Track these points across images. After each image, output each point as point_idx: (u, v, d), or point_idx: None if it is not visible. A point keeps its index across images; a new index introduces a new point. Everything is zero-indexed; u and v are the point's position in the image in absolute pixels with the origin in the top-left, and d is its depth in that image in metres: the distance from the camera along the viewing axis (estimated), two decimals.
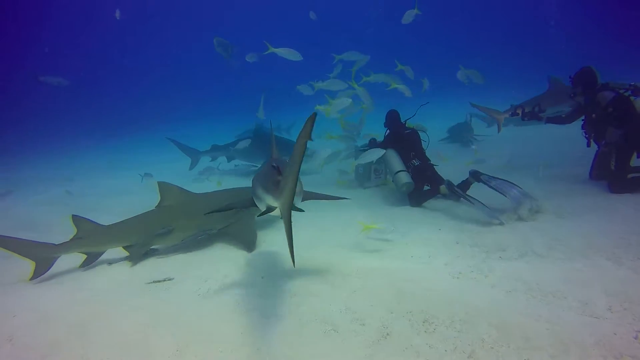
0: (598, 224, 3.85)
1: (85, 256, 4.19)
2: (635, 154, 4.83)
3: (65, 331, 2.82)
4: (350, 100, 6.19)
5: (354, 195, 6.16)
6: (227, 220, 4.60)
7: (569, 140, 5.40)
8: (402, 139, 5.73)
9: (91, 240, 4.20)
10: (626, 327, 2.30)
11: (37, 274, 3.97)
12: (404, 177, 5.22)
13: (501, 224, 4.14)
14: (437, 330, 2.47)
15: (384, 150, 5.47)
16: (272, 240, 4.53)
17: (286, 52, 6.27)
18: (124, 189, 8.42)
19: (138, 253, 4.23)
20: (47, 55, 30.31)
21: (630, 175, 4.82)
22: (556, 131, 5.66)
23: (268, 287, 3.31)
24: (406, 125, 5.98)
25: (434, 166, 5.56)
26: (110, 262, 4.25)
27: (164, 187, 4.62)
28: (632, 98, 4.72)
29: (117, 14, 6.38)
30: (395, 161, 5.44)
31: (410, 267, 3.41)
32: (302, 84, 6.75)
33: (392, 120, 6.02)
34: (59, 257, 4.10)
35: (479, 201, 4.44)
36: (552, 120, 5.57)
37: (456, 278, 3.13)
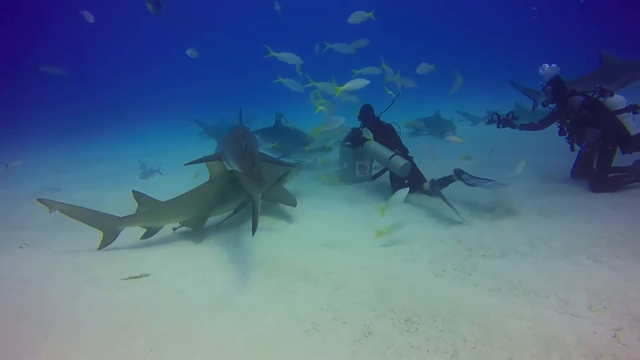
0: (579, 223, 3.89)
1: (145, 230, 4.43)
2: (615, 156, 4.90)
3: (28, 333, 2.69)
4: (343, 119, 6.04)
5: (336, 192, 6.10)
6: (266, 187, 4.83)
7: (554, 139, 5.45)
8: (380, 131, 5.68)
9: (151, 215, 4.42)
10: (605, 325, 2.30)
11: (105, 243, 4.34)
12: (400, 160, 5.15)
13: (463, 222, 4.20)
14: (420, 329, 2.44)
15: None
16: (255, 237, 4.42)
17: (287, 57, 6.17)
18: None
19: (198, 225, 4.45)
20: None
21: (610, 175, 4.90)
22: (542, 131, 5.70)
23: (249, 284, 3.23)
24: (380, 119, 5.97)
25: (412, 158, 5.55)
26: (88, 255, 4.10)
27: (212, 162, 4.68)
28: (600, 99, 4.81)
29: (89, 17, 6.04)
30: (382, 148, 5.38)
31: (394, 264, 3.37)
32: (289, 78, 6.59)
33: (367, 113, 5.98)
34: (122, 229, 4.40)
35: (454, 209, 4.45)
36: (525, 127, 5.66)
37: (439, 276, 3.10)
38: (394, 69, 6.41)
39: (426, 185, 5.19)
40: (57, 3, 31.83)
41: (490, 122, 5.79)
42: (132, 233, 4.71)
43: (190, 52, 6.36)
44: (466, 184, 4.76)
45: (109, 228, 4.35)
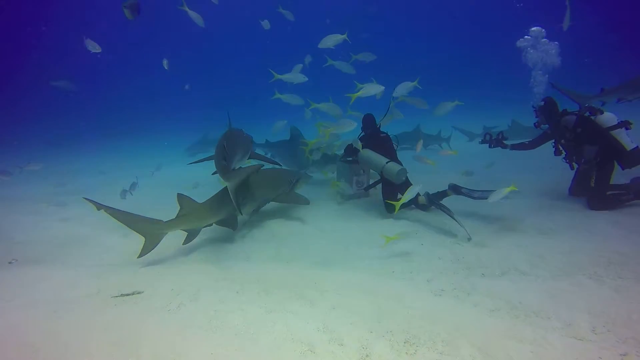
0: (579, 241, 3.84)
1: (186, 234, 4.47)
2: (614, 173, 4.90)
3: (11, 356, 2.57)
4: (355, 123, 6.00)
5: (333, 207, 6.06)
6: (279, 191, 5.56)
7: (552, 155, 5.45)
8: (376, 142, 5.66)
9: (192, 216, 4.43)
10: (611, 350, 2.23)
11: (146, 250, 4.18)
12: (395, 166, 5.12)
13: (469, 239, 4.15)
14: (419, 352, 2.36)
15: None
16: (249, 252, 4.36)
17: (292, 77, 6.21)
18: None
19: (233, 224, 4.68)
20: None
21: (608, 193, 4.88)
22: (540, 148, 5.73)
23: (243, 302, 3.14)
24: (380, 128, 5.93)
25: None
26: (76, 271, 4.00)
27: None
28: (591, 117, 4.85)
29: (93, 46, 5.91)
30: (376, 156, 5.35)
31: (392, 283, 3.30)
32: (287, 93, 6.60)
33: (369, 123, 5.94)
34: (166, 234, 4.33)
35: (460, 223, 4.44)
36: (516, 147, 5.74)
37: (438, 296, 3.03)
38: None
39: (421, 199, 5.18)
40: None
41: (483, 142, 5.85)
42: (128, 248, 4.65)
43: (165, 64, 6.24)
44: (472, 198, 4.85)
45: (153, 233, 4.26)
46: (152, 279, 3.75)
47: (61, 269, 4.14)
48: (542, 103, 5.38)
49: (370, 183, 6.04)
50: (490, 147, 5.83)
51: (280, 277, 3.56)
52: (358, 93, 5.19)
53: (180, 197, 4.44)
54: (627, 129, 4.70)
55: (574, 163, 5.27)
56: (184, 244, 4.43)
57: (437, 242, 4.16)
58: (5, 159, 13.62)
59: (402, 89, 5.57)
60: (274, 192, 5.53)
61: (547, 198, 5.49)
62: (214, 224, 4.71)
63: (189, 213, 4.41)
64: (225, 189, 4.59)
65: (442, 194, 5.19)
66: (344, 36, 6.08)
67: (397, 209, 4.42)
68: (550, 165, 6.73)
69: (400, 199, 4.36)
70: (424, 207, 5.30)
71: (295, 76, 6.23)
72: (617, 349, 2.24)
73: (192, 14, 6.15)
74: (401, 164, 5.48)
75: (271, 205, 6.52)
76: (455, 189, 5.10)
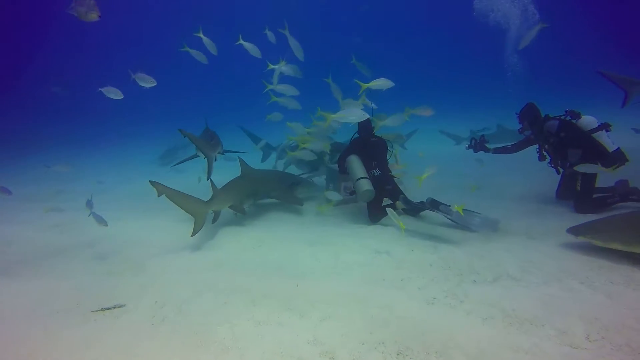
0: (568, 245, 3.83)
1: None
2: (598, 175, 4.95)
3: None
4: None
5: (322, 214, 5.98)
6: (278, 189, 6.26)
7: (534, 160, 5.50)
8: (366, 146, 5.48)
9: (220, 199, 5.30)
10: (606, 358, 2.20)
11: (196, 230, 4.74)
12: (365, 184, 4.99)
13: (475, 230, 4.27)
14: None
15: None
16: (236, 261, 4.24)
17: (284, 89, 6.11)
18: None
19: (242, 208, 5.63)
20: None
21: (595, 196, 4.93)
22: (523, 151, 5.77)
23: (230, 315, 3.02)
24: (374, 132, 5.70)
25: (395, 178, 5.46)
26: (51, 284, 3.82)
27: (241, 162, 6.15)
28: (573, 121, 4.91)
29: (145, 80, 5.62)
30: (358, 167, 5.19)
31: (383, 292, 3.23)
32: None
33: (363, 126, 5.64)
34: (209, 212, 5.05)
35: (440, 211, 4.63)
36: (498, 150, 5.82)
37: (431, 304, 2.97)
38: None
39: (399, 204, 5.16)
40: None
41: (469, 147, 5.91)
42: (111, 258, 4.50)
43: (139, 79, 5.85)
44: (448, 218, 4.79)
45: (200, 212, 4.84)
46: (135, 290, 3.61)
47: (39, 280, 3.96)
48: (525, 109, 5.42)
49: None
50: (474, 151, 5.90)
51: (269, 286, 3.46)
52: (370, 84, 4.78)
53: (212, 183, 5.35)
54: (607, 130, 4.76)
55: (559, 167, 5.32)
56: (212, 223, 5.30)
57: (429, 249, 4.10)
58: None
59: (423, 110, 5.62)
60: (273, 189, 6.23)
61: (534, 202, 5.52)
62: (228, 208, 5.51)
63: (217, 195, 5.24)
64: (237, 178, 5.91)
65: (419, 207, 5.13)
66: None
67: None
68: (537, 169, 6.78)
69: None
70: (405, 212, 5.26)
71: (288, 88, 6.13)
72: (612, 357, 2.21)
73: (194, 53, 6.17)
74: (389, 172, 5.37)
75: (257, 210, 6.43)
76: (433, 204, 5.03)
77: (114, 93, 5.68)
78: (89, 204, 5.48)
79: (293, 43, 5.96)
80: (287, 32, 5.86)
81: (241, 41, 6.03)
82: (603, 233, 3.53)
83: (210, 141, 6.30)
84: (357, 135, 5.74)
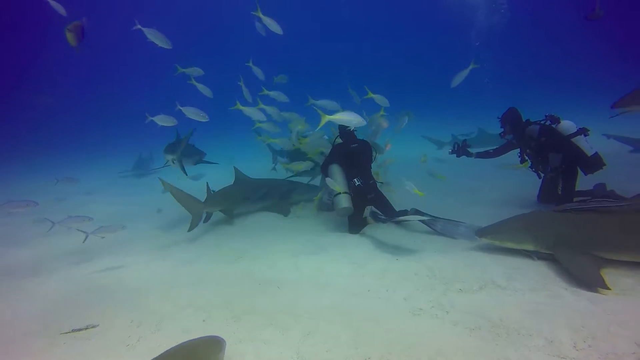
0: None
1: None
2: (578, 179, 5.02)
3: None
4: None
5: (306, 222, 5.89)
6: (268, 198, 6.64)
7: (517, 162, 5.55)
8: (348, 152, 5.30)
9: (213, 201, 5.94)
10: None
11: (193, 226, 5.40)
12: (343, 202, 4.89)
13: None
14: None
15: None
16: (216, 275, 4.09)
17: (251, 112, 5.99)
18: None
19: (232, 213, 6.20)
20: None
21: (575, 199, 4.99)
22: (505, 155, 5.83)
23: (210, 333, 2.88)
24: (355, 136, 5.53)
25: (379, 183, 5.39)
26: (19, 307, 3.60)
27: (236, 171, 6.80)
28: (553, 126, 4.99)
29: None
30: (337, 180, 5.05)
31: (368, 303, 3.15)
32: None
33: (344, 132, 5.51)
34: (204, 212, 5.74)
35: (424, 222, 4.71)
36: (480, 155, 5.87)
37: (417, 315, 2.90)
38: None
39: (370, 220, 5.24)
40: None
41: (452, 152, 5.95)
42: (83, 275, 4.29)
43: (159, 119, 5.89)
44: (432, 229, 4.82)
45: (197, 211, 5.51)
46: (109, 309, 3.43)
47: (3, 303, 3.72)
48: (506, 113, 5.48)
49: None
50: (457, 156, 5.93)
51: (250, 301, 3.33)
52: (333, 117, 4.56)
53: (208, 187, 6.06)
54: (585, 135, 4.85)
55: (540, 172, 5.37)
56: (204, 222, 5.86)
57: (413, 257, 4.04)
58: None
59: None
60: (264, 197, 6.62)
61: (516, 206, 5.54)
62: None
63: (210, 198, 5.89)
64: (229, 187, 6.55)
65: (402, 214, 5.10)
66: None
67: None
68: (518, 173, 6.87)
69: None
70: (384, 222, 5.24)
71: (254, 112, 5.99)
72: None
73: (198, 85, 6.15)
74: (370, 180, 5.20)
75: (239, 220, 6.30)
76: (418, 214, 5.00)
77: (166, 120, 5.67)
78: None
79: (267, 21, 5.66)
80: (259, 13, 5.58)
81: (250, 64, 6.38)
82: (500, 234, 3.84)
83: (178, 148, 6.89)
84: (339, 140, 5.63)
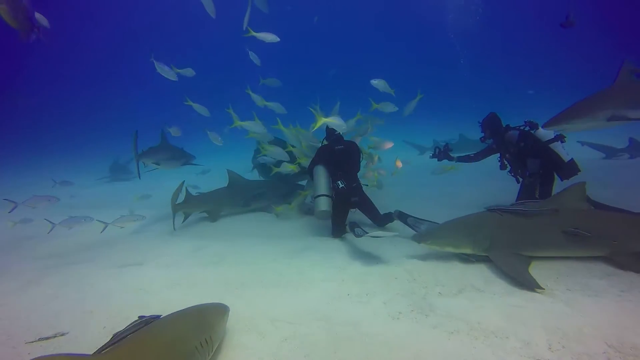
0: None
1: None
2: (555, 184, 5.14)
3: None
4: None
5: (286, 226, 5.84)
6: (261, 200, 6.91)
7: (497, 167, 5.66)
8: (333, 154, 5.23)
9: (190, 204, 6.58)
10: None
11: (175, 224, 6.15)
12: (323, 204, 4.86)
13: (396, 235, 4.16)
14: None
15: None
16: (194, 278, 4.00)
17: (251, 125, 5.97)
18: None
19: (217, 215, 6.63)
20: None
21: None
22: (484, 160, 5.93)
23: None
24: (342, 138, 5.47)
25: (364, 185, 5.38)
26: None
27: (230, 173, 7.02)
28: (531, 131, 5.11)
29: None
30: (320, 182, 5.03)
31: (347, 307, 3.12)
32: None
33: (329, 133, 5.48)
34: (180, 212, 6.38)
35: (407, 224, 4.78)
36: (461, 159, 5.97)
37: (396, 319, 2.89)
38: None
39: (347, 230, 5.19)
40: None
41: (433, 156, 6.02)
42: (53, 279, 4.13)
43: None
44: (415, 230, 4.83)
45: (175, 209, 6.20)
46: (79, 316, 3.30)
47: None
48: (486, 119, 5.58)
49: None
50: (438, 160, 5.99)
51: (228, 306, 3.26)
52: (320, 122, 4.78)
53: (187, 189, 6.57)
54: (562, 142, 4.98)
55: (518, 176, 5.48)
56: (182, 222, 6.44)
57: (394, 261, 4.04)
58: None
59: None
60: (259, 198, 6.89)
61: None
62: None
63: (187, 200, 6.49)
64: (218, 190, 6.91)
65: (387, 217, 5.17)
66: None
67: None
68: (498, 177, 7.00)
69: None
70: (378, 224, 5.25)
71: (255, 125, 6.03)
72: None
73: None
74: (354, 183, 5.17)
75: (219, 223, 6.20)
76: (401, 217, 5.06)
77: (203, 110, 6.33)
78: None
79: (262, 36, 5.69)
80: None
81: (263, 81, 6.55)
82: (439, 239, 3.89)
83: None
84: (324, 142, 5.58)
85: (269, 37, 5.67)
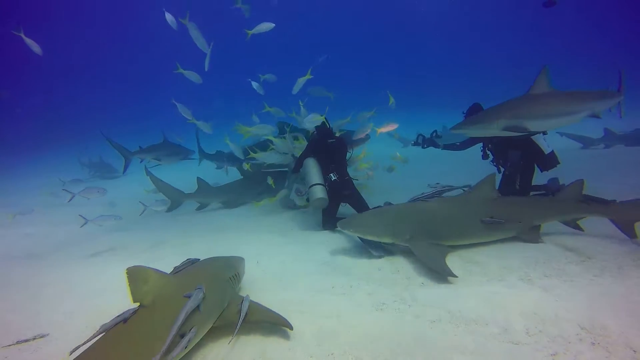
0: (508, 244, 4.00)
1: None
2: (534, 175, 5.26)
3: None
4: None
5: (270, 220, 5.84)
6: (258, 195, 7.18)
7: (477, 158, 5.75)
8: (324, 148, 5.32)
9: (202, 194, 7.24)
10: (542, 351, 2.28)
11: (171, 209, 6.90)
12: (318, 192, 4.89)
13: (380, 256, 4.02)
14: None
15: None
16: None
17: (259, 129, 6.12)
18: None
19: (234, 204, 7.23)
20: None
21: (532, 194, 5.22)
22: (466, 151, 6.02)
23: None
24: (334, 133, 5.57)
25: (355, 180, 5.41)
26: None
27: (199, 181, 7.41)
28: None
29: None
30: (313, 172, 5.07)
31: (331, 299, 3.15)
32: None
33: (321, 127, 5.54)
34: (184, 202, 7.14)
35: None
36: (448, 147, 6.04)
37: (380, 310, 2.93)
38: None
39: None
40: None
41: (416, 144, 6.02)
42: (33, 277, 4.03)
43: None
44: None
45: (176, 199, 6.97)
46: (60, 317, 3.23)
47: None
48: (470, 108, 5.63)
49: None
50: (423, 147, 6.01)
51: None
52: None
53: (198, 180, 7.21)
54: (543, 134, 5.08)
55: (500, 166, 5.58)
56: (196, 210, 7.13)
57: (377, 253, 4.08)
58: None
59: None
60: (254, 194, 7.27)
61: None
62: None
63: (199, 192, 7.17)
64: (225, 185, 7.52)
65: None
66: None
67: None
68: (478, 168, 7.09)
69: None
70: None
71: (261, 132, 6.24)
72: (548, 350, 2.29)
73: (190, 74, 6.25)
74: (345, 177, 5.23)
75: (201, 218, 6.14)
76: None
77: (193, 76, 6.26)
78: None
79: (261, 27, 5.70)
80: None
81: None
82: (362, 227, 3.96)
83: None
84: (315, 135, 5.60)
85: (264, 27, 5.61)
